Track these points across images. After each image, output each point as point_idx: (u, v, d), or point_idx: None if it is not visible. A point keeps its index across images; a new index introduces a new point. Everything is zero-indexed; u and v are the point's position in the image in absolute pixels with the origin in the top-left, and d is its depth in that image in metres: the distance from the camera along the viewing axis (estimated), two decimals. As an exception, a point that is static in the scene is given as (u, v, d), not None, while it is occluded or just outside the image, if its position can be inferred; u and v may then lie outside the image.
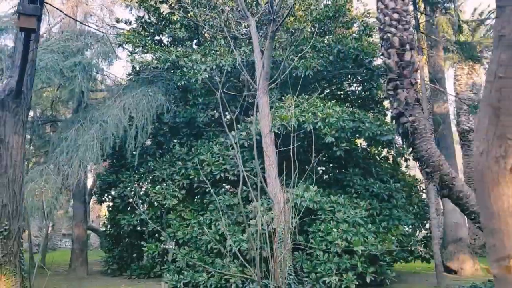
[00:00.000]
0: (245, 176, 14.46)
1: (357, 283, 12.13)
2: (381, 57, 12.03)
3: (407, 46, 11.43)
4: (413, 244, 12.96)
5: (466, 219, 16.56)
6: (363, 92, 17.40)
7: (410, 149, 11.34)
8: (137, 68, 15.92)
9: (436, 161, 10.84)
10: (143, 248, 15.42)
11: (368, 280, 12.38)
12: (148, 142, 16.43)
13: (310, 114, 13.27)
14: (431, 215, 13.78)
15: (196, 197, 16.26)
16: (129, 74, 16.46)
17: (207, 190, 15.48)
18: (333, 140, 13.27)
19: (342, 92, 17.77)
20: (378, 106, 17.51)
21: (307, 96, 14.28)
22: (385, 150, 16.74)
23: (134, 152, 14.45)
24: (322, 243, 12.61)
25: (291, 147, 11.18)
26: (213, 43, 15.89)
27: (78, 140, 13.61)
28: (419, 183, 16.80)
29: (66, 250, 25.81)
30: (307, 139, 13.56)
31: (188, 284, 13.98)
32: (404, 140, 11.46)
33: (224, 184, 15.31)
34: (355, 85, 17.91)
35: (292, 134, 11.34)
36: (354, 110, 14.65)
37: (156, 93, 14.61)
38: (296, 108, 13.47)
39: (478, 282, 11.30)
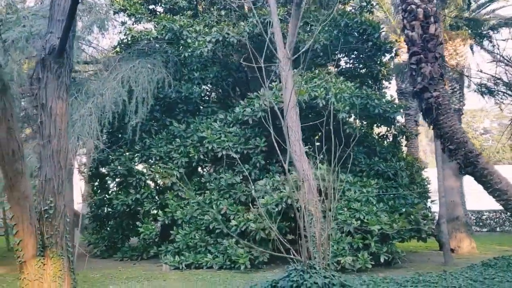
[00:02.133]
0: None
1: (372, 263, 11.86)
2: (404, 30, 11.57)
3: (432, 19, 11.06)
4: (427, 224, 12.77)
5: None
6: (364, 69, 16.98)
7: (432, 126, 11.06)
8: (129, 40, 14.77)
9: (460, 138, 10.61)
10: (138, 228, 14.59)
11: (382, 260, 12.14)
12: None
13: (322, 89, 12.73)
14: (439, 194, 13.63)
15: (194, 176, 15.51)
16: (121, 46, 15.28)
17: (207, 168, 14.84)
18: (346, 116, 12.81)
19: (342, 68, 17.27)
20: (377, 83, 17.16)
21: (317, 71, 13.72)
22: (385, 128, 16.48)
23: (134, 128, 13.47)
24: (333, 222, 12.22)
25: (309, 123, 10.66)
26: (213, 14, 14.95)
27: (74, 115, 12.54)
28: (418, 161, 16.68)
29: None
30: (318, 115, 13.03)
31: (190, 266, 13.35)
32: (426, 116, 11.16)
33: (226, 162, 14.58)
34: (352, 60, 17.44)
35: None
36: (361, 86, 14.24)
37: (156, 65, 13.65)
38: (306, 83, 12.90)
39: (489, 258, 11.30)
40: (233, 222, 13.12)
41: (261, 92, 13.68)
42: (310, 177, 9.59)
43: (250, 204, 13.68)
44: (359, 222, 12.05)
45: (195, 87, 15.34)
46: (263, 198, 12.58)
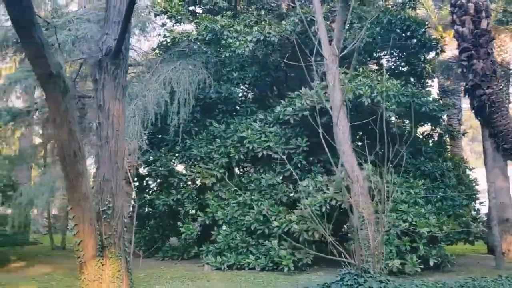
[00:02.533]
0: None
1: (421, 266, 11.49)
2: (454, 26, 11.16)
3: (483, 13, 10.63)
4: (477, 226, 12.30)
5: None
6: (406, 66, 16.53)
7: (485, 124, 10.62)
8: (169, 41, 14.82)
9: (516, 137, 10.14)
10: (180, 228, 14.63)
11: (431, 263, 11.74)
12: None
13: (367, 87, 12.43)
14: (489, 195, 13.11)
15: (233, 176, 15.46)
16: (160, 47, 15.35)
17: (247, 168, 14.75)
18: (392, 115, 12.47)
19: (383, 66, 16.87)
20: (421, 81, 16.68)
21: (361, 69, 13.42)
22: (429, 127, 16.01)
23: (175, 129, 13.51)
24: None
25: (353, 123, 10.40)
26: (252, 14, 14.85)
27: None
28: (465, 162, 16.10)
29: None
30: (362, 114, 12.75)
31: (232, 266, 13.28)
32: (478, 114, 10.73)
33: (266, 162, 14.44)
34: (394, 58, 17.01)
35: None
36: (406, 84, 13.86)
37: (196, 66, 13.65)
38: (350, 81, 12.62)
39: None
40: (275, 223, 12.97)
41: (303, 91, 13.48)
42: (361, 178, 9.33)
43: (292, 205, 13.52)
44: (407, 224, 11.70)
45: (234, 87, 15.28)
46: (306, 199, 12.37)
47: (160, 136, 15.49)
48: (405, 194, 12.39)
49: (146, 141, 14.63)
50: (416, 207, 12.26)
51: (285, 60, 12.23)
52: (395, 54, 16.23)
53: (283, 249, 12.69)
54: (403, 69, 16.79)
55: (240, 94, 15.33)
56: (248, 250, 13.57)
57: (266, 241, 13.23)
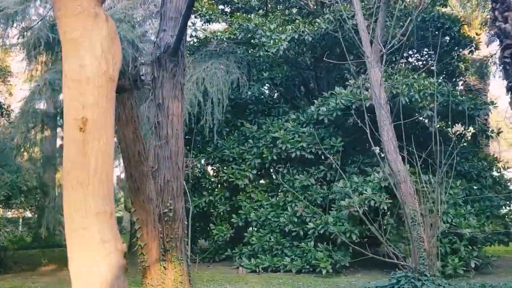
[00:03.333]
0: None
1: (464, 268, 11.22)
2: (495, 22, 10.89)
3: (528, 9, 10.34)
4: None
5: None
6: (439, 65, 16.21)
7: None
8: (201, 41, 14.71)
9: None
10: (213, 230, 14.54)
11: (473, 265, 11.46)
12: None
13: (404, 86, 12.20)
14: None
15: (265, 177, 15.34)
16: (191, 47, 15.23)
17: (280, 169, 14.58)
18: (430, 114, 12.21)
19: (415, 64, 16.61)
20: (453, 79, 16.37)
21: (398, 67, 13.21)
22: (461, 127, 15.69)
23: (210, 130, 13.39)
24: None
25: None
26: (283, 13, 14.69)
27: (151, 117, 12.59)
28: (499, 161, 15.74)
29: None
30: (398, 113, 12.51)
31: (267, 269, 13.14)
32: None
33: (299, 163, 14.26)
34: (427, 56, 16.72)
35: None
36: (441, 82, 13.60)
37: (229, 66, 13.54)
38: (386, 80, 12.39)
39: None
40: (311, 225, 12.81)
41: (337, 90, 13.29)
42: (408, 178, 9.12)
43: (326, 206, 13.33)
44: (447, 225, 11.44)
45: (264, 87, 15.14)
46: (343, 200, 12.18)
47: (189, 137, 15.36)
48: (444, 195, 12.11)
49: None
50: (456, 207, 12.00)
51: (324, 59, 12.00)
52: (427, 52, 15.95)
53: (320, 251, 12.51)
54: (434, 67, 16.47)
55: (272, 94, 15.09)
56: (283, 252, 13.42)
57: (302, 243, 13.08)
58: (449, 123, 14.02)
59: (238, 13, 13.98)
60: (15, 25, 13.22)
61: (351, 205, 11.78)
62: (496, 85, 41.74)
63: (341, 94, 12.98)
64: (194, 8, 14.26)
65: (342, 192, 12.39)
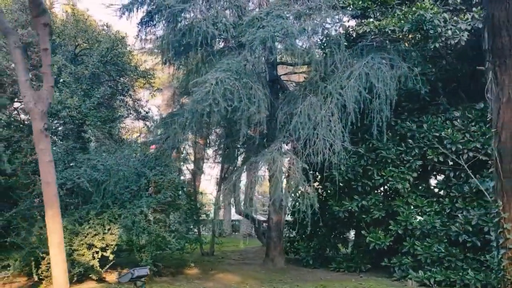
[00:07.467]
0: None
1: None
2: None
3: None
4: None
5: None
6: None
7: None
8: (359, 34, 13.58)
9: None
10: (365, 237, 13.45)
11: None
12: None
13: None
14: None
15: (427, 181, 14.03)
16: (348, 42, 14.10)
17: (446, 173, 13.19)
18: None
19: None
20: None
21: None
22: None
23: (379, 129, 12.30)
24: None
25: None
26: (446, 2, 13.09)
27: (312, 116, 11.80)
28: None
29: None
30: None
31: (441, 283, 11.82)
32: None
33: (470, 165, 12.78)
34: None
35: None
36: None
37: (393, 60, 12.43)
38: None
39: None
40: (493, 235, 11.32)
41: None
42: None
43: None
44: None
45: (419, 82, 13.71)
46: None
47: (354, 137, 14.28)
48: None
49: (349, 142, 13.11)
50: None
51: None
52: None
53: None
54: None
55: (428, 90, 13.43)
56: (457, 265, 12.05)
57: (482, 256, 11.66)
58: None
59: (408, 3, 12.73)
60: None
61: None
62: None
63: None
64: (343, 3, 13.24)
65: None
